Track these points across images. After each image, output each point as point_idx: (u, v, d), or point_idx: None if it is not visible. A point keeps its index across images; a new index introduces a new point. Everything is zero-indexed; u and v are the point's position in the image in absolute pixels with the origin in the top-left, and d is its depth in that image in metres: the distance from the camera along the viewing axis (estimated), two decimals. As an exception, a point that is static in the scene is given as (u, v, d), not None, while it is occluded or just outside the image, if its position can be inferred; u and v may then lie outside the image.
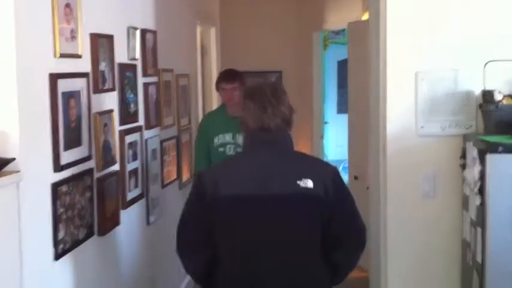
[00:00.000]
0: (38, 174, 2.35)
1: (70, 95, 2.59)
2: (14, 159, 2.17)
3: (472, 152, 2.73)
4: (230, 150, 3.76)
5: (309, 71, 6.58)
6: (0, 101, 2.18)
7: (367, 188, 3.90)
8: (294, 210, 2.01)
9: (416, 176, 2.91)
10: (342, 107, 10.60)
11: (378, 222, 3.07)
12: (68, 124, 2.57)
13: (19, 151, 2.20)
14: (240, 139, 3.62)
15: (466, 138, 2.89)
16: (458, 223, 2.90)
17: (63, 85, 2.52)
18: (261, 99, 2.08)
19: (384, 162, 2.93)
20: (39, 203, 2.37)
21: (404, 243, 2.90)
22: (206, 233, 2.10)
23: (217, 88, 3.89)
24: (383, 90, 3.01)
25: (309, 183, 1.99)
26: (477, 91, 2.93)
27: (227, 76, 3.86)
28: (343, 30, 8.53)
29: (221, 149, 3.80)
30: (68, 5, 2.57)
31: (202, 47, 5.65)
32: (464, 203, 2.87)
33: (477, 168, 2.60)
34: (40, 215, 2.37)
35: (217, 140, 3.81)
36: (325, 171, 2.08)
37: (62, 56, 2.51)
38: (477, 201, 2.62)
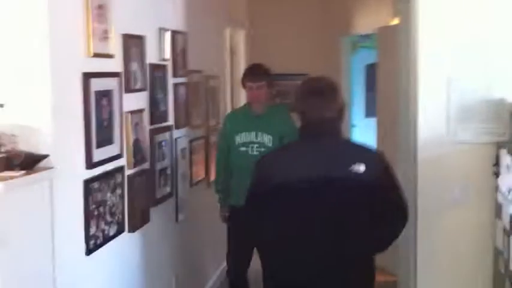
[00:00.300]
0: (71, 171, 2.38)
1: (102, 94, 2.62)
2: (47, 155, 2.20)
3: (506, 160, 2.68)
4: (253, 150, 3.59)
5: (336, 74, 6.54)
6: (34, 99, 2.22)
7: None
8: (347, 193, 2.21)
9: (447, 184, 2.87)
10: (370, 111, 10.51)
11: (409, 228, 3.04)
12: (100, 122, 2.60)
13: (53, 148, 2.24)
14: (265, 138, 3.58)
15: (499, 145, 2.84)
16: (490, 231, 2.85)
17: (96, 84, 2.55)
18: (323, 95, 2.30)
19: (414, 169, 2.90)
20: (71, 199, 2.40)
21: (434, 250, 2.86)
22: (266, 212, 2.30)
23: (243, 85, 3.72)
24: (414, 96, 2.99)
25: (361, 168, 2.20)
26: (511, 98, 2.88)
27: (253, 73, 3.66)
28: (372, 34, 8.50)
29: (243, 149, 3.63)
30: (100, 6, 2.60)
31: (231, 49, 5.67)
32: (497, 211, 2.82)
33: (511, 176, 2.56)
34: (72, 211, 2.41)
35: (239, 139, 3.64)
36: (373, 156, 2.33)
37: (95, 55, 2.54)
38: (510, 209, 2.58)
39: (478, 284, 2.85)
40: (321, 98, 2.30)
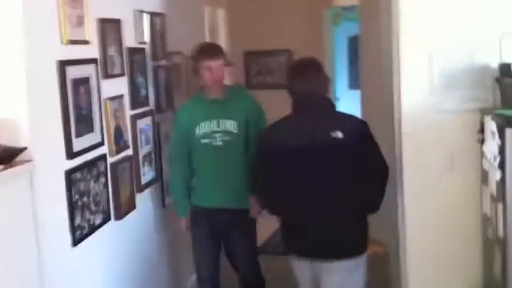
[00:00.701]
0: (51, 163, 2.34)
1: (79, 82, 2.57)
2: (25, 148, 2.16)
3: (491, 127, 2.67)
4: (217, 141, 3.14)
5: (319, 48, 6.48)
6: (9, 90, 2.17)
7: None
8: (329, 156, 2.59)
9: (433, 153, 2.86)
10: (353, 83, 10.49)
11: (395, 199, 3.04)
12: (79, 111, 2.55)
13: (30, 140, 2.19)
14: (229, 125, 3.14)
15: (483, 112, 2.83)
16: (477, 198, 2.85)
17: (72, 72, 2.49)
18: (307, 72, 2.70)
19: (399, 139, 2.88)
20: (53, 191, 2.36)
21: (423, 219, 2.87)
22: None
23: (195, 68, 3.17)
24: (397, 66, 2.96)
25: (339, 134, 2.57)
26: (494, 64, 2.86)
27: (211, 52, 3.15)
28: (354, 6, 8.42)
29: (205, 141, 3.15)
30: (73, -10, 2.52)
31: (211, 28, 5.59)
32: (484, 178, 2.82)
33: (496, 143, 2.55)
34: (55, 203, 2.37)
35: (198, 130, 3.15)
36: (356, 125, 2.68)
37: (70, 42, 2.48)
38: (497, 176, 2.57)
39: (468, 250, 2.87)
40: (305, 75, 2.69)
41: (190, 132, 3.18)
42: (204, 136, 3.17)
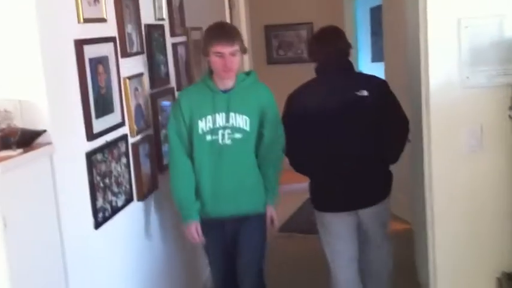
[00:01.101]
0: (71, 145, 2.30)
1: (98, 61, 2.52)
2: (45, 131, 2.12)
3: (522, 102, 2.56)
4: (225, 138, 2.70)
5: (340, 20, 6.35)
6: (26, 72, 2.12)
7: (408, 140, 3.74)
8: (354, 113, 2.90)
9: (462, 130, 2.76)
10: (376, 55, 10.28)
11: (422, 177, 2.96)
12: (98, 91, 2.50)
13: (50, 122, 2.15)
14: (240, 120, 2.72)
15: (514, 87, 2.72)
16: (508, 176, 2.76)
17: (90, 51, 2.44)
18: (330, 38, 3.01)
19: (427, 117, 2.79)
20: (74, 173, 2.33)
21: (450, 199, 2.78)
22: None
23: (205, 51, 2.74)
24: (424, 40, 2.84)
25: (365, 93, 2.89)
26: (526, 37, 2.73)
27: (224, 36, 2.70)
28: (376, -25, 8.22)
29: (210, 138, 2.70)
30: (89, -33, 2.46)
31: (230, 1, 5.48)
32: (514, 155, 2.72)
33: (529, 120, 2.44)
34: (76, 185, 2.34)
35: (203, 124, 2.69)
36: (377, 83, 3.02)
37: (86, 20, 2.42)
38: (529, 154, 2.48)
39: (497, 232, 2.78)
40: (329, 40, 3.00)
41: (192, 126, 2.69)
42: (210, 132, 2.68)
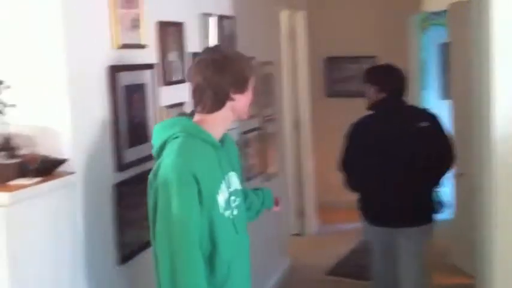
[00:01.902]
0: (97, 175, 2.18)
1: (133, 89, 2.41)
2: (66, 159, 2.01)
3: None
4: (233, 210, 1.99)
5: (405, 55, 6.08)
6: (51, 98, 2.03)
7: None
8: (415, 141, 3.16)
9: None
10: (446, 93, 9.86)
11: (486, 227, 2.65)
12: (131, 120, 2.39)
13: (72, 151, 2.04)
14: (234, 180, 2.06)
15: None
16: None
17: (125, 78, 2.34)
18: (400, 74, 3.28)
19: (494, 161, 2.50)
20: (99, 205, 2.20)
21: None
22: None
23: (245, 87, 2.00)
24: (488, 77, 2.58)
25: (425, 124, 3.18)
26: None
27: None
28: (445, 11, 7.87)
29: (228, 213, 1.96)
30: (128, -9, 2.37)
31: (291, 32, 5.36)
32: None
33: None
34: (101, 218, 2.21)
35: (221, 198, 1.93)
36: (431, 116, 3.27)
37: (122, 46, 2.32)
38: None
39: None
40: (396, 75, 3.27)
41: (210, 203, 1.88)
42: (227, 206, 1.96)
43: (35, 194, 1.84)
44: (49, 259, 1.92)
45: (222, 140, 2.03)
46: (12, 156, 1.90)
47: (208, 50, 2.06)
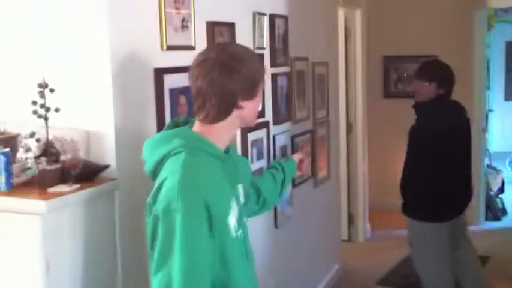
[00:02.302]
0: (139, 183, 2.10)
1: (180, 91, 2.33)
2: (108, 166, 1.95)
3: None
4: (244, 229, 1.75)
5: (469, 54, 5.79)
6: (96, 101, 1.98)
7: None
8: (466, 133, 3.41)
9: None
10: (511, 93, 9.41)
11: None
12: (177, 124, 2.31)
13: (116, 156, 1.98)
14: (241, 193, 1.80)
15: None
16: None
17: (171, 80, 2.26)
18: (451, 75, 3.34)
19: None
20: (139, 214, 2.13)
21: None
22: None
23: (256, 91, 1.70)
24: None
25: (467, 115, 3.44)
26: None
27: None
28: (513, 7, 7.47)
29: (240, 233, 1.68)
30: (178, -10, 2.29)
31: (347, 31, 5.18)
32: None
33: None
34: (141, 228, 2.14)
35: (233, 220, 1.65)
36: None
37: (171, 48, 2.25)
38: None
39: None
40: (452, 74, 3.34)
41: (221, 226, 1.60)
42: (238, 227, 1.67)
43: (73, 201, 1.79)
44: (85, 270, 1.86)
45: (227, 150, 1.75)
46: (54, 162, 1.86)
47: (213, 48, 1.74)
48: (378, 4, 5.82)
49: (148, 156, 1.69)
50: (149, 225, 1.59)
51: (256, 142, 3.06)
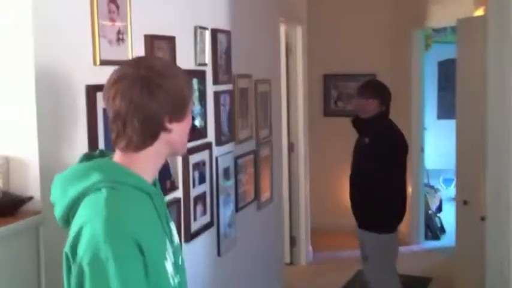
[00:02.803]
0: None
1: (115, 111, 2.09)
2: (31, 197, 1.69)
3: None
4: (183, 275, 1.50)
5: (406, 73, 5.82)
6: (14, 121, 1.71)
7: (482, 218, 3.26)
8: None
9: None
10: (443, 112, 9.64)
11: (500, 263, 2.37)
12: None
13: (40, 186, 1.73)
14: (174, 233, 1.54)
15: None
16: None
17: (106, 99, 2.02)
18: (389, 93, 3.56)
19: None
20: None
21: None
22: None
23: (184, 114, 1.45)
24: (509, 97, 2.31)
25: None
26: None
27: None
28: (446, 28, 7.62)
29: (178, 280, 1.44)
30: (112, 0, 2.07)
31: (288, 48, 5.07)
32: None
33: None
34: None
35: (169, 263, 1.41)
36: None
37: (104, 63, 2.01)
38: None
39: None
40: (389, 92, 3.56)
41: (158, 273, 1.36)
42: (175, 270, 1.45)
43: (-8, 239, 1.52)
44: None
45: (154, 183, 1.49)
46: (-34, 194, 1.58)
47: (132, 63, 1.46)
48: (319, 22, 5.78)
49: (59, 198, 1.38)
50: (73, 278, 1.29)
51: (198, 165, 2.85)
